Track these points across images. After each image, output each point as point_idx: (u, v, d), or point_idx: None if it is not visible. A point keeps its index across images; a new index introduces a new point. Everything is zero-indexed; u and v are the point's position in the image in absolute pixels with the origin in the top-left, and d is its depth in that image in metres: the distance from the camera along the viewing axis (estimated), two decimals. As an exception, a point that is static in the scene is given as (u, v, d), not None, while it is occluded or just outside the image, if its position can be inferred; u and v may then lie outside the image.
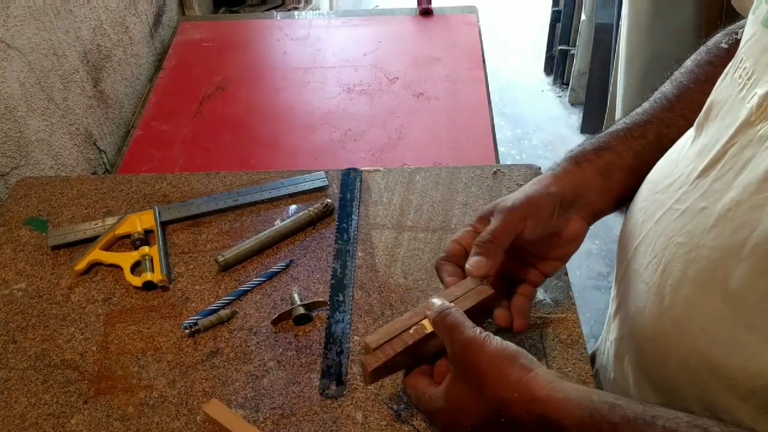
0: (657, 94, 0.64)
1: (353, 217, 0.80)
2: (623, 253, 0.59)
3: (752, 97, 0.44)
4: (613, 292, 0.65)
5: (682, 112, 0.62)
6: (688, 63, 0.65)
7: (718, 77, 0.58)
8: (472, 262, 0.56)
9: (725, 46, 0.62)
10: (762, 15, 0.45)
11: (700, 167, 0.48)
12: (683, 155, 0.53)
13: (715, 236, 0.45)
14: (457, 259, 0.59)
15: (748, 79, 0.45)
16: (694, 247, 0.47)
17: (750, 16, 0.49)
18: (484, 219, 0.59)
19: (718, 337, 0.45)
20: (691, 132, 0.54)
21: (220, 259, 0.74)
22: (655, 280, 0.51)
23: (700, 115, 0.53)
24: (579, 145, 0.63)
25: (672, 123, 0.61)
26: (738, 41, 0.61)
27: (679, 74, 0.64)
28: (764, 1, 0.46)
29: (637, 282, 0.54)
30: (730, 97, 0.47)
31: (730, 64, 0.50)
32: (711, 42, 0.65)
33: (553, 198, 0.59)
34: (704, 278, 0.46)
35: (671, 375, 0.51)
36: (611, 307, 0.64)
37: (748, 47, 0.47)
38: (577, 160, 0.61)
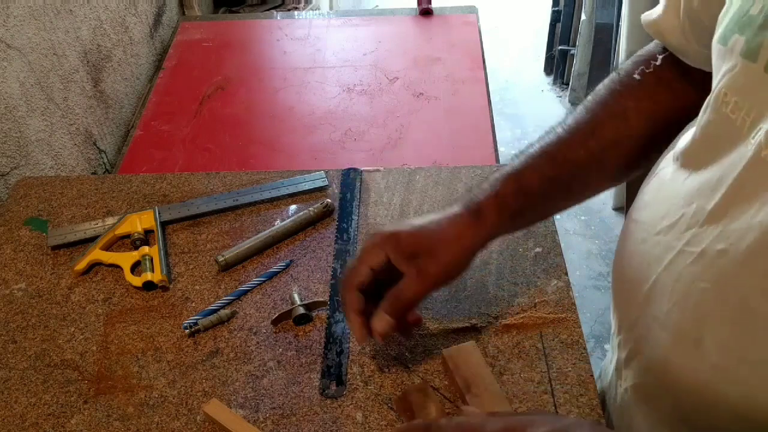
0: (571, 123, 0.62)
1: (353, 217, 0.80)
2: (627, 299, 0.57)
3: (757, 132, 0.43)
4: (617, 338, 0.62)
5: (593, 151, 0.61)
6: (602, 90, 0.63)
7: (631, 113, 0.59)
8: (378, 321, 0.58)
9: (638, 77, 0.61)
10: (739, 47, 0.44)
11: (709, 207, 0.47)
12: (677, 191, 0.51)
13: (747, 278, 0.44)
14: (362, 287, 0.59)
15: (746, 114, 0.44)
16: (724, 290, 0.46)
17: (717, 46, 0.48)
18: (407, 245, 0.57)
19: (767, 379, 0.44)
20: (675, 165, 0.53)
21: (220, 259, 0.74)
22: (684, 328, 0.49)
23: (682, 149, 0.52)
24: (494, 181, 0.61)
25: (584, 160, 0.61)
26: (651, 73, 0.61)
27: (593, 103, 0.63)
28: (735, 33, 0.45)
29: (656, 329, 0.53)
30: (726, 134, 0.46)
31: (708, 99, 0.49)
32: (623, 71, 0.63)
33: (477, 248, 0.59)
34: (744, 320, 0.45)
35: (720, 422, 0.49)
36: (618, 353, 0.62)
37: (729, 81, 0.46)
38: (498, 207, 0.59)
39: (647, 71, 0.61)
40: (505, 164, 0.62)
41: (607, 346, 1.80)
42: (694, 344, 0.49)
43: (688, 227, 0.49)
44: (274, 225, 0.79)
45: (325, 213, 0.80)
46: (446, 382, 0.63)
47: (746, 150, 0.43)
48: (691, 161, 0.51)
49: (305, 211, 0.79)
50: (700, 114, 0.50)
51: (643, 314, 0.54)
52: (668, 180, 0.54)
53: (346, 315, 0.60)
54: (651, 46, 0.65)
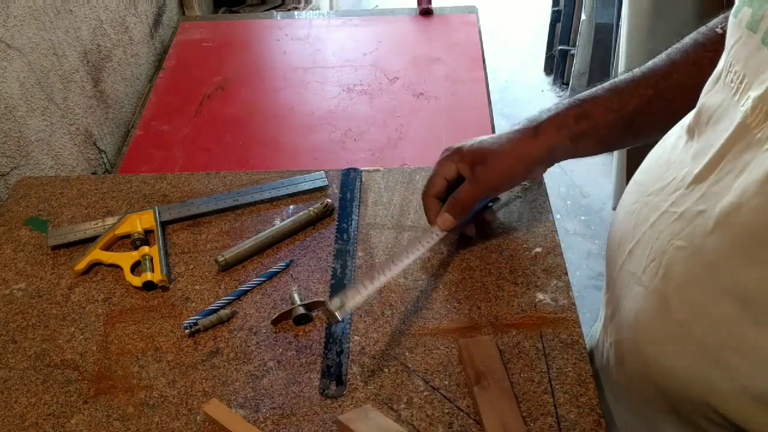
0: (649, 65, 0.66)
1: (353, 217, 0.80)
2: (614, 256, 0.59)
3: (746, 100, 0.44)
4: (605, 295, 0.65)
5: (663, 92, 0.64)
6: (687, 40, 0.66)
7: (707, 62, 0.60)
8: (441, 220, 0.70)
9: (720, 31, 0.63)
10: (746, 19, 0.46)
11: (696, 171, 0.49)
12: (675, 158, 0.53)
13: (717, 239, 0.45)
14: (440, 195, 0.71)
15: (741, 83, 0.45)
16: (696, 250, 0.47)
17: (731, 20, 0.49)
18: (468, 156, 0.68)
19: (727, 338, 0.46)
20: (680, 133, 0.54)
21: (220, 259, 0.74)
22: (656, 284, 0.51)
23: (690, 119, 0.53)
24: (559, 104, 0.67)
25: (652, 99, 0.65)
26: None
27: (675, 50, 0.66)
28: (746, 5, 0.46)
29: (633, 285, 0.54)
30: (724, 102, 0.48)
31: (719, 67, 0.50)
32: (710, 24, 0.65)
33: (533, 162, 0.67)
34: (709, 280, 0.46)
35: (679, 378, 0.51)
36: (605, 310, 0.64)
37: (735, 51, 0.47)
38: (557, 125, 0.66)
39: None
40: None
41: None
42: (661, 300, 0.50)
43: (675, 189, 0.51)
44: (274, 225, 0.79)
45: (325, 213, 0.80)
46: (459, 370, 0.63)
47: (736, 117, 0.45)
48: (691, 130, 0.52)
49: (305, 211, 0.79)
50: (706, 85, 0.51)
51: (623, 271, 0.57)
52: (670, 147, 0.55)
53: (428, 219, 0.72)
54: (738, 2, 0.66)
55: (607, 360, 0.64)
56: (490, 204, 0.77)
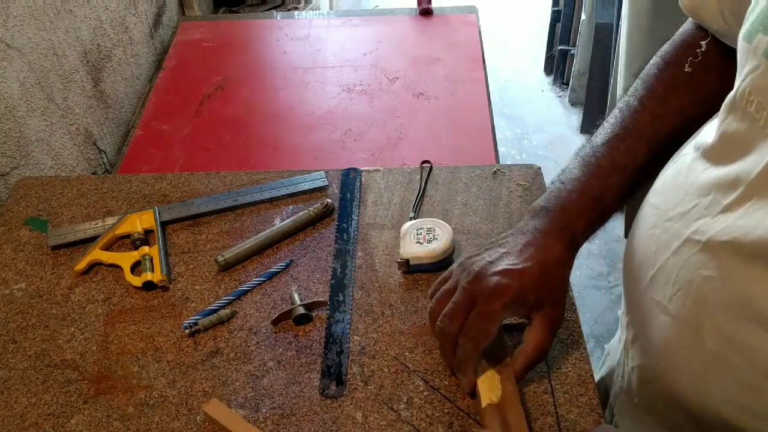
0: (627, 122, 0.64)
1: (353, 217, 0.80)
2: (634, 281, 0.58)
3: None
4: (624, 319, 0.63)
5: (648, 157, 0.63)
6: (654, 83, 0.64)
7: (689, 110, 0.61)
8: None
9: (688, 70, 0.62)
10: (763, 47, 0.45)
11: (725, 201, 0.47)
12: (694, 181, 0.52)
13: (750, 270, 0.45)
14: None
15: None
16: (727, 280, 0.46)
17: (743, 44, 0.48)
18: (528, 298, 0.59)
19: (765, 366, 0.45)
20: (695, 155, 0.53)
21: (220, 259, 0.74)
22: (685, 314, 0.50)
23: (708, 145, 0.52)
24: (564, 196, 0.63)
25: (648, 159, 0.63)
26: (700, 62, 0.62)
27: (651, 101, 0.64)
28: (761, 32, 0.45)
29: (659, 314, 0.53)
30: (749, 132, 0.47)
31: (731, 95, 0.49)
32: (671, 60, 0.64)
33: (570, 264, 0.62)
34: (744, 310, 0.45)
35: (713, 404, 0.50)
36: (626, 334, 0.63)
37: (755, 81, 0.46)
38: (546, 233, 0.61)
39: (696, 61, 0.62)
40: (563, 180, 0.64)
41: (606, 346, 1.80)
42: (693, 331, 0.49)
43: (699, 217, 0.50)
44: (274, 225, 0.79)
45: (325, 213, 0.80)
46: (447, 384, 0.63)
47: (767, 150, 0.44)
48: (712, 156, 0.51)
49: (305, 211, 0.79)
50: (722, 110, 0.50)
51: (646, 297, 0.55)
52: (686, 169, 0.54)
53: (465, 387, 0.61)
54: (690, 28, 0.65)
55: (629, 382, 0.63)
56: None
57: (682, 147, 0.59)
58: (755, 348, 0.45)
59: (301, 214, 0.79)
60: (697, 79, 0.62)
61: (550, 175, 0.78)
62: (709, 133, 0.53)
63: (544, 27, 2.70)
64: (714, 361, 0.49)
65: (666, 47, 0.66)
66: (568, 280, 0.61)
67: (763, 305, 0.44)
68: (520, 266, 0.58)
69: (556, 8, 2.57)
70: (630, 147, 0.63)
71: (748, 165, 0.46)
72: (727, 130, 0.49)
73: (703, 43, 0.61)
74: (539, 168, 0.86)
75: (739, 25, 0.53)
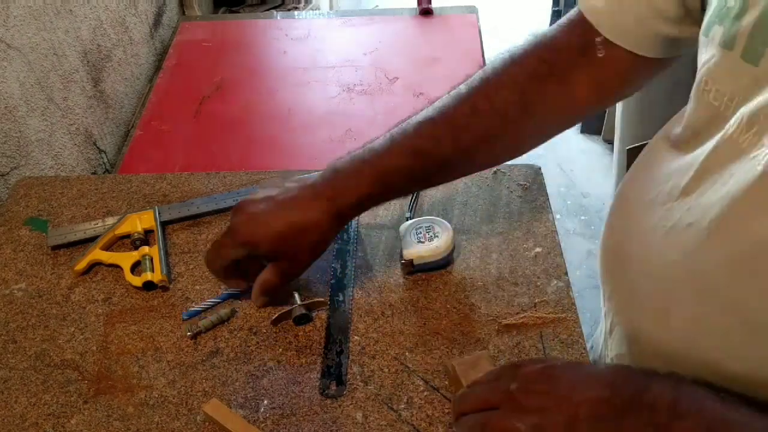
0: (446, 111, 0.64)
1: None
2: (610, 271, 0.59)
3: (737, 116, 0.44)
4: (603, 308, 0.64)
5: (462, 145, 0.63)
6: (492, 83, 0.63)
7: (513, 106, 0.61)
8: (259, 301, 0.70)
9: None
10: (718, 37, 0.46)
11: (683, 184, 0.49)
12: (660, 171, 0.53)
13: (710, 251, 0.45)
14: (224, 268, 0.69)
15: (730, 101, 0.46)
16: (690, 263, 0.47)
17: (701, 39, 0.49)
18: (262, 250, 0.64)
19: (731, 349, 0.46)
20: (666, 148, 0.55)
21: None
22: (655, 300, 0.51)
23: (675, 135, 0.53)
24: (346, 166, 0.65)
25: (451, 155, 0.64)
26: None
27: (478, 95, 0.63)
28: (716, 24, 0.46)
29: (632, 301, 0.54)
30: (710, 120, 0.48)
31: (693, 88, 0.50)
32: (527, 56, 0.63)
33: (328, 235, 0.66)
34: (708, 293, 0.46)
35: None
36: (605, 324, 0.64)
37: (710, 70, 0.47)
38: (338, 215, 0.64)
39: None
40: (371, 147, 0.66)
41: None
42: (662, 315, 0.50)
43: (663, 203, 0.51)
44: None
45: None
46: (447, 383, 0.63)
47: (724, 132, 0.45)
48: (679, 144, 0.53)
49: None
50: (689, 102, 0.51)
51: (620, 285, 0.56)
52: (656, 160, 0.55)
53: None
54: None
55: None
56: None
57: (653, 139, 0.60)
58: (720, 332, 0.46)
59: None
60: (541, 87, 0.61)
61: (550, 175, 0.78)
62: (677, 121, 0.54)
63: (544, 27, 2.70)
64: (682, 346, 0.49)
65: (527, 45, 0.64)
66: (321, 242, 0.65)
67: (726, 287, 0.44)
68: (264, 216, 0.63)
69: (556, 8, 2.57)
70: (437, 134, 0.63)
71: (705, 148, 0.47)
72: (690, 118, 0.51)
73: (599, 42, 0.58)
74: (539, 168, 0.86)
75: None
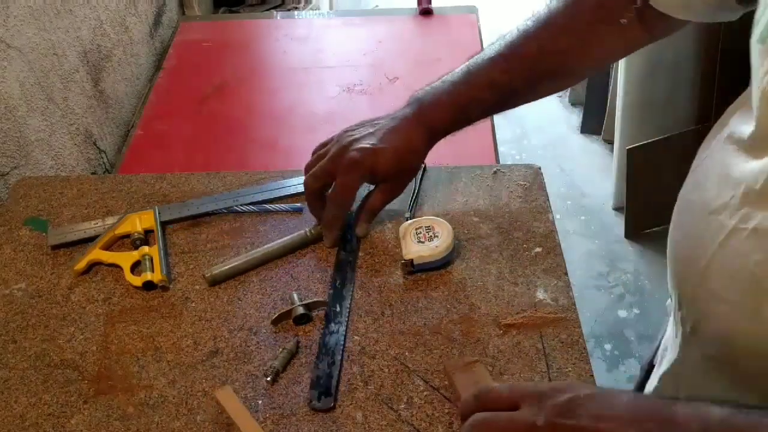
0: (517, 45, 0.73)
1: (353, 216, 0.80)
2: (686, 277, 0.59)
3: None
4: (678, 314, 0.63)
5: (523, 82, 0.74)
6: (557, 23, 0.72)
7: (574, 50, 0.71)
8: (361, 229, 0.77)
9: (624, 22, 0.67)
10: None
11: (757, 187, 0.49)
12: (730, 174, 0.53)
13: None
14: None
15: None
16: None
17: (756, 45, 0.49)
18: (368, 165, 0.73)
19: None
20: (729, 149, 0.54)
21: (207, 274, 0.73)
22: (743, 300, 0.51)
23: (742, 137, 0.53)
24: (439, 88, 0.76)
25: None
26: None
27: (543, 31, 0.72)
28: None
29: (716, 304, 0.54)
30: None
31: (760, 93, 0.50)
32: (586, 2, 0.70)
33: (421, 151, 0.77)
34: None
35: None
36: (683, 328, 0.63)
37: None
38: (440, 111, 0.75)
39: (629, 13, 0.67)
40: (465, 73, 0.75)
41: (607, 346, 1.80)
42: (753, 314, 0.50)
43: (740, 206, 0.51)
44: (272, 239, 0.77)
45: (321, 236, 0.77)
46: (447, 383, 0.63)
47: None
48: (749, 148, 0.52)
49: (300, 232, 0.77)
50: (755, 105, 0.51)
51: (701, 290, 0.56)
52: (723, 162, 0.55)
53: (319, 217, 0.77)
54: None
55: (696, 373, 0.63)
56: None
57: (709, 141, 0.60)
58: None
59: (295, 235, 0.77)
60: (598, 30, 0.69)
61: (550, 175, 0.78)
62: (743, 125, 0.53)
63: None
64: None
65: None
66: (420, 163, 0.80)
67: None
68: (378, 145, 0.73)
69: (556, 8, 2.57)
70: (509, 68, 0.73)
71: None
72: (760, 125, 0.51)
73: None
74: (539, 168, 0.86)
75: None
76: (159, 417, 0.62)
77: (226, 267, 0.74)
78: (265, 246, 0.76)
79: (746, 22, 0.54)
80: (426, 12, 1.42)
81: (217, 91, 1.25)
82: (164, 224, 0.80)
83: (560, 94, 2.64)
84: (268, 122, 1.18)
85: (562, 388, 0.51)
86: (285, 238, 0.77)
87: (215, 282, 0.74)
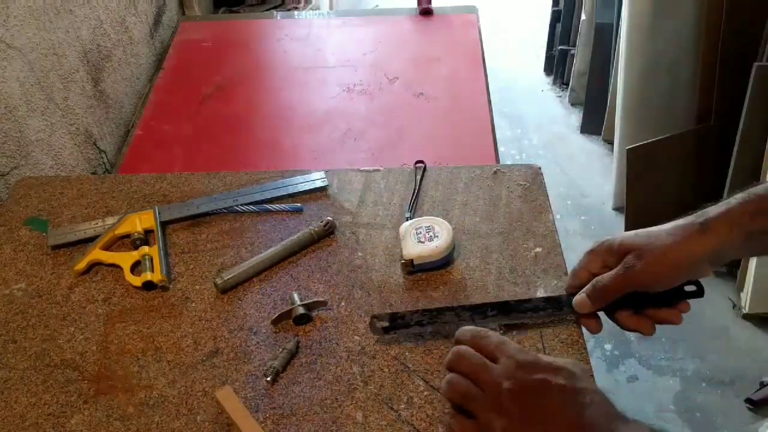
0: None
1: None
2: None
3: None
4: None
5: None
6: None
7: None
8: (578, 301, 0.65)
9: None
10: None
11: None
12: None
13: None
14: (578, 290, 0.66)
15: None
16: None
17: None
18: (620, 250, 0.62)
19: None
20: None
21: (219, 281, 0.72)
22: None
23: None
24: (731, 200, 0.61)
25: None
26: None
27: None
28: None
29: None
30: None
31: None
32: None
33: (697, 262, 0.60)
34: None
35: None
36: None
37: None
38: (730, 222, 0.59)
39: None
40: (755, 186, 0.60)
41: (607, 346, 1.80)
42: None
43: None
44: (273, 239, 0.77)
45: (327, 232, 0.78)
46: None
47: None
48: None
49: (305, 230, 0.78)
50: None
51: None
52: None
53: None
54: None
55: None
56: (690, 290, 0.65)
57: None
58: None
59: (301, 233, 0.77)
60: None
61: (550, 175, 0.78)
62: None
63: (544, 27, 2.70)
64: None
65: None
66: (680, 257, 0.60)
67: None
68: (630, 233, 0.63)
69: (556, 8, 2.57)
70: None
71: None
72: None
73: None
74: (539, 168, 0.86)
75: None
76: (159, 417, 0.62)
77: (237, 273, 0.73)
78: (271, 249, 0.76)
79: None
80: (426, 12, 1.42)
81: (217, 90, 1.25)
82: (164, 224, 0.80)
83: (560, 93, 2.64)
84: (268, 122, 1.18)
85: (541, 367, 0.53)
86: (292, 237, 0.77)
87: (226, 289, 0.73)
